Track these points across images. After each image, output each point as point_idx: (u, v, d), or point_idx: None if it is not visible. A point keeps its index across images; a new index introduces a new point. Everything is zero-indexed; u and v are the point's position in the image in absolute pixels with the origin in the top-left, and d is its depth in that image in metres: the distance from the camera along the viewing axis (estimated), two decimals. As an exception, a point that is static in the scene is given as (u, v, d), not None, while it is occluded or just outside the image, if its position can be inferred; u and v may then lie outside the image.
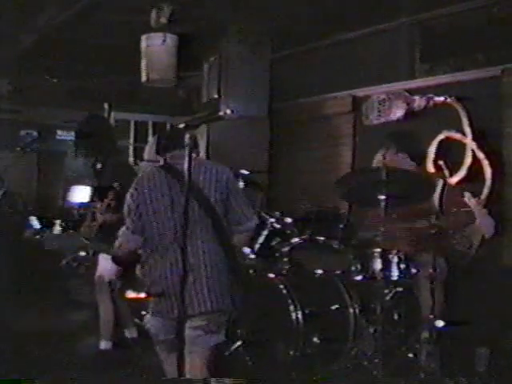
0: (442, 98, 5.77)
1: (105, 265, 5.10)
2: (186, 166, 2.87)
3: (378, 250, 4.25)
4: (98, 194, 5.22)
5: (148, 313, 3.50)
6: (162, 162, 3.58)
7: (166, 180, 3.41)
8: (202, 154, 7.52)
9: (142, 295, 3.53)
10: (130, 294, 4.18)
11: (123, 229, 3.46)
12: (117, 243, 3.50)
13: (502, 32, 5.43)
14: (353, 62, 6.86)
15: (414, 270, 4.36)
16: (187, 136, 2.91)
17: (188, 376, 3.29)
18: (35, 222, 8.74)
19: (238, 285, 3.45)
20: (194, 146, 3.58)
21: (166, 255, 3.35)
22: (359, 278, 4.44)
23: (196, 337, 3.34)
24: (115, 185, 4.80)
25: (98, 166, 5.13)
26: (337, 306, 4.53)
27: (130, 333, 5.40)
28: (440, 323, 4.18)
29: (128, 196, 3.46)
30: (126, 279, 5.35)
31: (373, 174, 4.32)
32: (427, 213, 4.49)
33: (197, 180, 3.37)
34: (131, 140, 9.65)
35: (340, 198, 4.89)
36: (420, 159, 5.03)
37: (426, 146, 5.65)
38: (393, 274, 4.31)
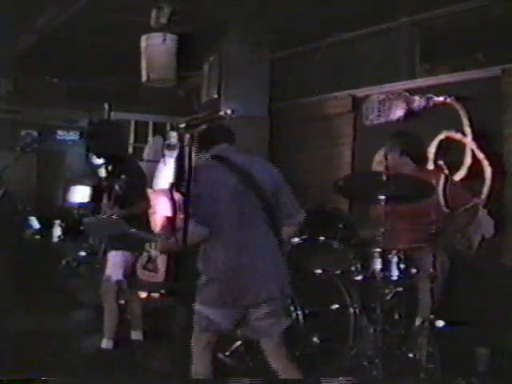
0: (441, 98, 5.76)
1: (113, 265, 5.12)
2: (186, 163, 2.92)
3: (378, 250, 4.25)
4: (109, 193, 5.32)
5: (202, 303, 3.43)
6: (208, 155, 3.56)
7: (222, 171, 3.44)
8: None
9: (156, 295, 3.53)
10: (143, 294, 4.17)
11: None
12: (178, 236, 3.42)
13: (501, 32, 5.43)
14: (353, 61, 6.87)
15: (414, 270, 4.35)
16: (187, 136, 2.94)
17: (274, 365, 3.46)
18: (35, 222, 8.77)
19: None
20: (233, 140, 3.64)
21: (228, 244, 3.35)
22: (359, 277, 4.43)
23: (270, 324, 3.41)
24: (120, 183, 4.88)
25: (110, 167, 5.24)
26: (337, 305, 4.53)
27: (136, 335, 5.41)
28: (440, 323, 4.18)
29: (187, 188, 3.42)
30: (133, 280, 5.40)
31: (373, 176, 4.33)
32: (427, 213, 4.49)
33: (251, 172, 3.44)
34: (131, 140, 9.66)
35: (339, 193, 4.90)
36: (422, 161, 5.02)
37: (426, 146, 5.65)
38: (393, 274, 4.30)
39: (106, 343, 5.14)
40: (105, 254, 5.26)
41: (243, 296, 3.35)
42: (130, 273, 5.25)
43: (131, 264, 5.25)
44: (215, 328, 3.46)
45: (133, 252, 5.19)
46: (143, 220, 5.18)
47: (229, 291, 3.34)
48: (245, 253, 3.35)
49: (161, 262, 7.56)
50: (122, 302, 5.43)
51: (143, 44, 6.63)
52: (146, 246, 7.46)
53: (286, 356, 3.52)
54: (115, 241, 5.13)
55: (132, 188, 4.90)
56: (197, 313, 3.48)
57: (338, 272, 4.66)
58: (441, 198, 4.50)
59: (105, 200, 5.27)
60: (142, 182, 5.29)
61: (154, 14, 6.35)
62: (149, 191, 7.68)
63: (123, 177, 4.85)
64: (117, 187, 4.87)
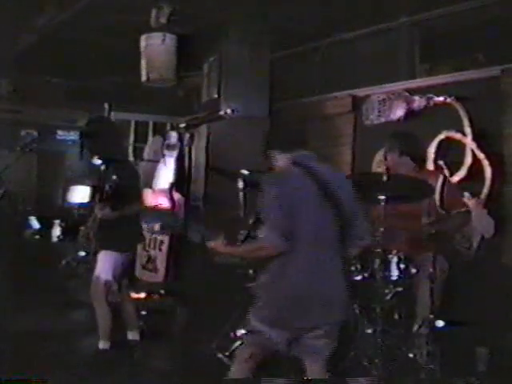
0: (441, 98, 5.77)
1: (102, 265, 5.09)
2: (186, 164, 2.86)
3: (378, 250, 4.25)
4: (100, 194, 5.26)
5: (258, 320, 3.21)
6: (285, 161, 3.29)
7: (304, 180, 3.14)
8: (202, 153, 7.53)
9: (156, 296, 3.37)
10: (142, 294, 4.02)
11: (264, 232, 3.10)
12: (252, 247, 3.24)
13: (501, 32, 5.43)
14: (353, 61, 6.87)
15: (413, 270, 4.35)
16: (187, 136, 2.87)
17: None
18: (35, 222, 8.78)
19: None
20: (302, 145, 3.35)
21: (300, 264, 3.10)
22: (359, 278, 4.43)
23: (323, 345, 3.24)
24: (110, 183, 4.82)
25: (103, 167, 5.18)
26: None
27: (133, 335, 5.40)
28: (440, 323, 4.17)
29: (268, 195, 3.13)
30: (124, 281, 5.38)
31: (373, 176, 4.33)
32: (427, 213, 4.48)
33: (332, 185, 3.16)
34: (131, 140, 9.67)
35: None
36: (422, 161, 5.02)
37: (426, 145, 5.65)
38: (393, 274, 4.31)
39: (102, 344, 5.13)
40: (95, 253, 5.22)
41: (305, 320, 3.15)
42: (120, 273, 5.21)
43: (122, 264, 5.20)
44: (268, 345, 3.26)
45: (122, 252, 5.14)
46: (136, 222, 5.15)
47: (292, 314, 3.14)
48: (315, 275, 3.10)
49: (160, 262, 7.57)
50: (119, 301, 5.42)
51: (143, 44, 6.63)
52: (146, 245, 7.45)
53: (326, 375, 3.35)
54: (104, 241, 5.10)
55: (123, 189, 4.85)
56: (251, 328, 3.26)
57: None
58: (437, 198, 4.50)
59: (97, 200, 5.22)
60: (134, 184, 5.21)
61: (153, 14, 6.37)
62: (148, 191, 7.69)
63: (114, 177, 4.79)
64: (107, 187, 4.82)
